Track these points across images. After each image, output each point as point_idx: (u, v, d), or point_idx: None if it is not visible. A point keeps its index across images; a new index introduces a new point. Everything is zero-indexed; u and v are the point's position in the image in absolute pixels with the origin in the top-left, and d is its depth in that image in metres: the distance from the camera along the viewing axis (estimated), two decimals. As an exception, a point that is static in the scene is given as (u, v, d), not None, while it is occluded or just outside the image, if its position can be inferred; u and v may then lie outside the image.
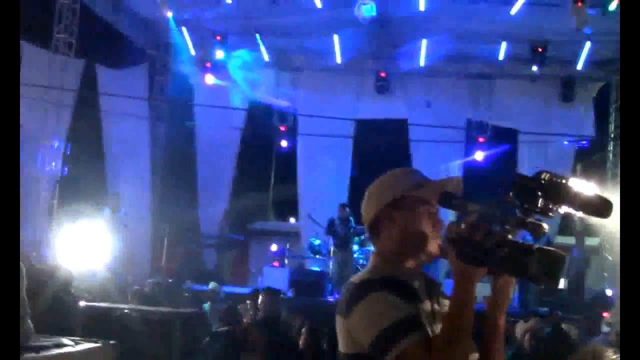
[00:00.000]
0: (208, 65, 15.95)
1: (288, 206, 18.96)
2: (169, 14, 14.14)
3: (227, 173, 17.02)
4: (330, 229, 14.24)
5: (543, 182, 2.02)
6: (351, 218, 14.11)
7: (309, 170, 16.85)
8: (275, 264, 15.93)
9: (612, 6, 12.12)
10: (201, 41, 15.50)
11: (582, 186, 2.03)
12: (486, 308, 2.31)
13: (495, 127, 16.21)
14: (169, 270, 14.41)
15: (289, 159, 17.58)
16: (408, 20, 13.93)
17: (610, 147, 16.28)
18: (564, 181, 2.00)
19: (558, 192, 2.00)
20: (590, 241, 14.58)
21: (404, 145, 16.54)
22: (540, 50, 14.41)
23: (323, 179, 16.63)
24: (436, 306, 2.35)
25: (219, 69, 15.97)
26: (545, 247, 2.01)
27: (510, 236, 2.06)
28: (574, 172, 16.74)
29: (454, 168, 15.98)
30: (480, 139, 16.05)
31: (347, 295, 2.30)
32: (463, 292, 2.12)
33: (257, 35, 15.11)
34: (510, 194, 2.06)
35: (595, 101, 16.14)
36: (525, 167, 16.09)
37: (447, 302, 2.30)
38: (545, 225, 2.07)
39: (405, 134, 16.49)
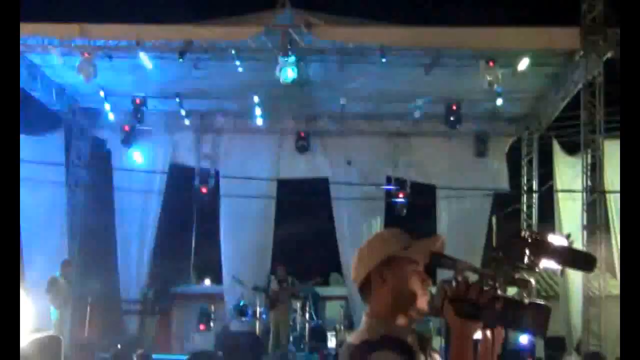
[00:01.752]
0: (127, 129, 15.79)
1: (210, 269, 18.80)
2: (87, 79, 13.92)
3: (148, 237, 16.70)
4: (265, 287, 14.27)
5: (529, 239, 2.17)
6: (289, 278, 14.17)
7: (232, 232, 16.74)
8: (201, 327, 15.69)
9: (521, 66, 12.72)
10: (120, 105, 15.35)
11: (560, 241, 2.19)
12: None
13: (414, 183, 16.57)
14: (92, 339, 13.97)
15: (210, 221, 17.46)
16: (326, 81, 14.22)
17: (524, 200, 16.88)
18: (546, 237, 2.15)
19: (543, 248, 2.14)
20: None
21: (326, 203, 16.70)
22: (454, 108, 14.90)
23: (245, 240, 16.55)
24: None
25: (138, 133, 15.84)
26: (535, 301, 2.16)
27: (500, 292, 2.18)
28: (489, 225, 17.30)
29: (375, 225, 16.24)
30: (400, 195, 16.35)
31: (347, 356, 2.38)
32: (462, 346, 2.22)
33: (177, 99, 15.09)
34: (498, 252, 2.20)
35: (508, 155, 16.74)
36: (444, 221, 16.49)
37: (437, 357, 2.45)
38: (532, 280, 2.20)
39: (327, 193, 16.65)
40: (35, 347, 2.82)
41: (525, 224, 16.64)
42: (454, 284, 2.24)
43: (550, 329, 2.17)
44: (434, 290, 2.38)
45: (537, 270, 2.21)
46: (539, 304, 2.16)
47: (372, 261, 2.51)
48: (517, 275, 2.21)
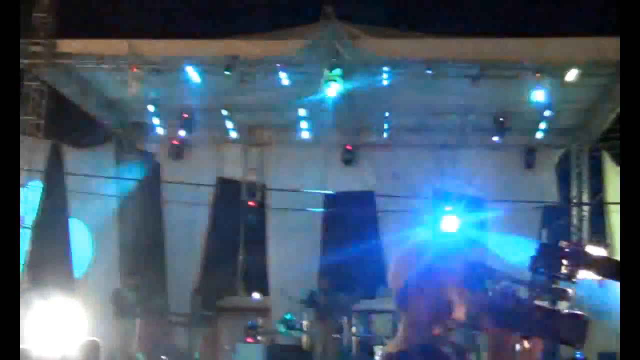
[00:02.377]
0: (175, 142, 16.00)
1: (257, 281, 18.84)
2: (136, 94, 14.15)
3: (196, 250, 16.88)
4: (312, 300, 14.21)
5: (567, 249, 2.15)
6: (336, 291, 14.15)
7: (279, 245, 16.82)
8: (249, 340, 15.72)
9: (569, 77, 12.54)
10: (168, 119, 15.57)
11: (598, 252, 2.17)
12: None
13: (461, 195, 16.41)
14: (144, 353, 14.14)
15: (257, 234, 17.55)
16: (373, 93, 14.19)
17: (574, 212, 16.59)
18: (584, 248, 2.14)
19: (581, 258, 2.11)
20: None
21: (372, 216, 16.65)
22: (502, 120, 14.74)
23: (293, 253, 16.59)
24: None
25: (186, 146, 16.05)
26: (573, 312, 2.12)
27: (537, 302, 2.14)
28: (539, 238, 17.03)
29: (422, 238, 16.10)
30: (447, 208, 16.21)
31: None
32: (500, 356, 2.22)
33: (224, 112, 15.25)
34: (535, 262, 2.18)
35: (558, 168, 16.49)
36: (492, 234, 16.29)
37: None
38: (570, 290, 2.17)
39: (373, 205, 16.61)
40: (75, 350, 2.88)
41: (575, 237, 16.35)
42: (490, 294, 2.22)
43: (601, 343, 2.14)
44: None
45: (574, 280, 2.18)
46: (578, 314, 2.14)
47: (410, 271, 2.52)
48: (554, 286, 2.18)
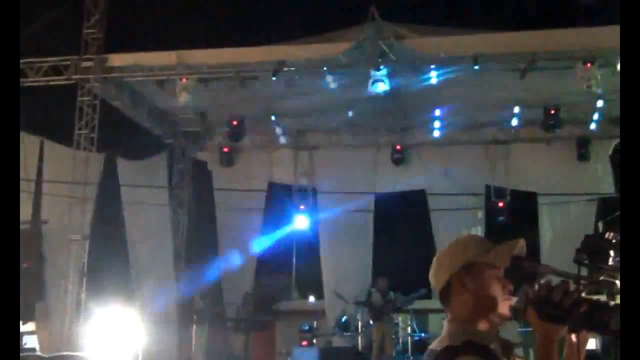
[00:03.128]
0: (226, 150, 16.17)
1: (311, 284, 18.92)
2: (185, 103, 14.32)
3: (250, 255, 17.03)
4: (368, 300, 14.23)
5: (613, 241, 2.12)
6: (391, 291, 14.15)
7: (331, 247, 16.86)
8: (304, 343, 15.79)
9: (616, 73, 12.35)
10: (218, 127, 15.74)
11: None
12: None
13: (514, 191, 16.25)
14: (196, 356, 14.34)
15: (309, 237, 17.62)
16: (420, 92, 14.13)
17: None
18: None
19: None
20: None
21: (424, 215, 16.57)
22: (553, 112, 14.53)
23: (345, 255, 16.63)
24: None
25: (237, 153, 16.20)
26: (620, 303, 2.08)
27: (584, 294, 2.13)
28: (596, 231, 16.74)
29: (478, 234, 16.00)
30: (500, 204, 16.06)
31: None
32: (548, 350, 2.20)
33: (273, 117, 15.36)
34: (582, 254, 2.16)
35: (612, 158, 16.18)
36: (547, 229, 16.09)
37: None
38: (617, 282, 2.14)
39: (424, 205, 16.52)
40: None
41: (633, 228, 16.03)
42: (536, 287, 2.20)
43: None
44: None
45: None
46: None
47: (453, 267, 2.52)
48: (601, 278, 2.15)
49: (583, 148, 15.75)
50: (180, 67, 13.09)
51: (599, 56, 12.34)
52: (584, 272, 2.26)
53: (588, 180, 15.91)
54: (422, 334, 15.83)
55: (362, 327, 15.02)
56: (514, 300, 2.38)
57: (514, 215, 16.03)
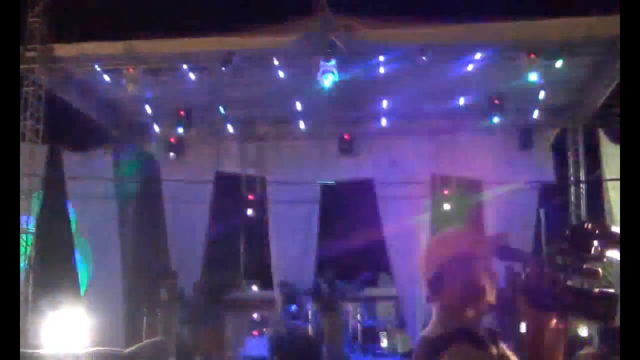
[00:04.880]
0: (172, 141, 16.03)
1: (260, 274, 18.96)
2: (133, 94, 14.13)
3: (198, 246, 16.96)
4: (316, 291, 14.32)
5: (596, 230, 2.23)
6: (337, 280, 14.25)
7: (280, 237, 16.89)
8: (255, 333, 15.87)
9: (559, 64, 12.76)
10: (164, 118, 15.59)
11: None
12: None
13: (459, 179, 16.54)
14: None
15: (257, 228, 17.66)
16: (367, 82, 14.26)
17: (571, 191, 16.75)
18: (611, 228, 2.21)
19: (609, 239, 2.20)
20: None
21: (372, 204, 16.75)
22: (496, 102, 14.82)
23: (294, 245, 16.69)
24: (499, 352, 2.54)
25: (184, 144, 16.07)
26: (603, 290, 2.21)
27: (569, 282, 2.25)
28: (538, 218, 17.18)
29: (423, 223, 16.26)
30: (445, 192, 16.34)
31: (425, 351, 2.50)
32: (537, 337, 2.28)
33: (221, 108, 15.28)
34: (564, 243, 2.26)
35: (553, 147, 16.61)
36: (491, 216, 16.41)
37: (506, 350, 2.54)
38: (600, 271, 2.26)
39: (372, 194, 16.70)
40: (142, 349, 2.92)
41: (573, 215, 16.52)
42: (523, 276, 2.30)
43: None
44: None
45: (604, 260, 2.27)
46: (610, 292, 2.20)
47: (442, 258, 2.62)
48: (584, 266, 2.26)
49: (525, 137, 16.10)
50: (127, 57, 12.94)
51: (542, 48, 12.67)
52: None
53: (530, 168, 16.27)
54: (371, 321, 16.08)
55: (311, 315, 15.15)
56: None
57: (458, 203, 16.33)
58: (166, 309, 14.80)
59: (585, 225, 2.28)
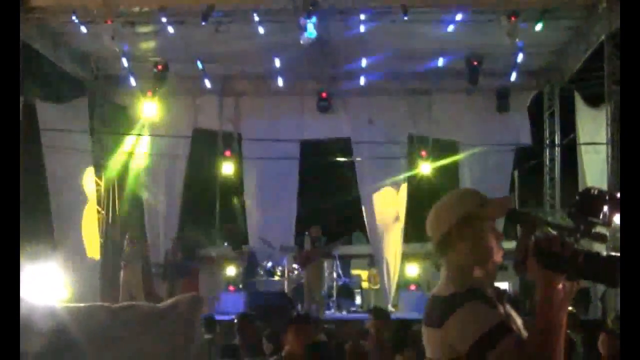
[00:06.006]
0: (149, 95, 15.86)
1: (236, 231, 19.02)
2: (109, 46, 13.91)
3: (174, 201, 16.96)
4: (298, 248, 14.47)
5: (605, 195, 2.31)
6: (323, 237, 14.39)
7: (256, 194, 16.97)
8: (231, 288, 15.97)
9: (538, 26, 12.78)
10: (141, 71, 15.42)
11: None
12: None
13: (435, 140, 16.63)
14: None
15: (234, 184, 17.67)
16: (347, 41, 14.20)
17: (546, 153, 16.92)
18: (617, 194, 2.30)
19: (617, 203, 2.29)
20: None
21: (348, 163, 16.82)
22: (475, 63, 14.85)
23: (270, 202, 16.76)
24: (506, 312, 2.62)
25: (161, 98, 15.91)
26: (610, 254, 2.29)
27: (577, 245, 2.34)
28: (512, 180, 17.38)
29: (398, 183, 16.38)
30: (422, 153, 16.43)
31: (437, 308, 2.58)
32: (548, 296, 2.37)
33: (199, 63, 15.15)
34: (573, 208, 2.34)
35: (530, 109, 16.73)
36: (466, 177, 16.58)
37: (510, 309, 2.64)
38: (607, 234, 2.34)
39: (349, 153, 16.76)
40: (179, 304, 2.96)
41: (548, 177, 16.73)
42: (533, 239, 2.38)
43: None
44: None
45: (612, 225, 2.35)
46: (615, 256, 2.29)
47: (451, 219, 2.70)
48: (593, 230, 2.34)
49: (503, 99, 16.18)
50: (105, 8, 12.72)
51: (522, 10, 12.67)
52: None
53: (507, 130, 16.39)
54: (346, 279, 16.25)
55: (287, 272, 15.28)
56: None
57: (435, 164, 16.46)
58: (128, 261, 14.88)
59: (593, 190, 2.36)
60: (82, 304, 3.19)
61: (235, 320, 8.47)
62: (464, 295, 2.52)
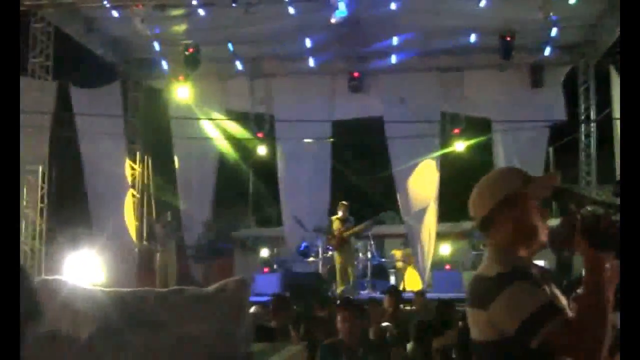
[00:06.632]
0: (181, 78, 15.92)
1: (269, 212, 19.09)
2: (140, 30, 13.96)
3: (208, 183, 17.05)
4: (330, 229, 14.42)
5: None
6: (351, 217, 14.35)
7: (289, 175, 16.96)
8: (265, 269, 16.03)
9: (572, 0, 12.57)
10: (173, 55, 15.48)
11: None
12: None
13: (468, 117, 16.48)
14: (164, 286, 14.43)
15: (267, 165, 17.69)
16: (377, 19, 14.08)
17: (582, 129, 16.69)
18: None
19: None
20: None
21: (381, 142, 16.73)
22: (508, 39, 14.64)
23: (303, 182, 16.76)
24: (551, 291, 2.57)
25: (192, 81, 15.96)
26: None
27: None
28: (547, 156, 17.16)
29: (431, 161, 16.27)
30: (455, 131, 16.31)
31: (483, 289, 2.53)
32: (597, 275, 2.34)
33: (230, 45, 15.14)
34: (619, 186, 2.31)
35: (564, 85, 16.47)
36: (500, 155, 16.41)
37: (555, 289, 2.58)
38: None
39: (381, 132, 16.64)
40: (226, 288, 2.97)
41: (583, 154, 16.50)
42: (579, 217, 2.34)
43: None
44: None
45: None
46: None
47: (495, 198, 2.65)
48: None
49: (536, 75, 15.97)
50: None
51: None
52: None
53: (541, 106, 16.15)
54: (381, 259, 16.23)
55: (322, 253, 15.28)
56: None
57: (468, 142, 16.34)
58: (162, 244, 14.99)
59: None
60: (129, 289, 3.21)
61: (271, 302, 8.48)
62: (510, 275, 2.47)
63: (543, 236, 2.62)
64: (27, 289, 2.36)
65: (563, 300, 2.62)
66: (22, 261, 12.52)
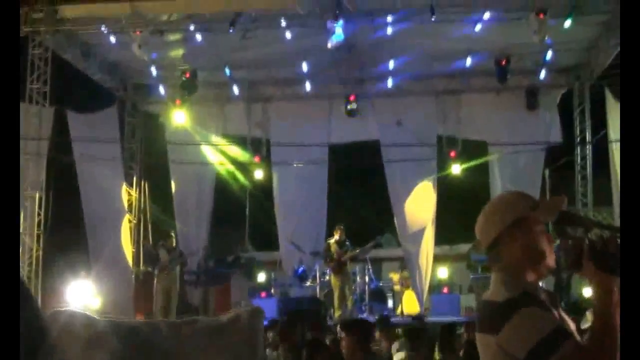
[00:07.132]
0: (178, 103, 15.96)
1: (266, 236, 19.02)
2: (137, 56, 13.99)
3: (205, 208, 17.01)
4: (327, 253, 14.37)
5: None
6: (347, 241, 14.32)
7: (286, 198, 16.92)
8: (263, 294, 15.96)
9: (567, 23, 12.67)
10: (170, 80, 15.54)
11: None
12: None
13: (465, 140, 16.53)
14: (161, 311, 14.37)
15: (264, 189, 17.67)
16: (374, 43, 14.18)
17: (577, 151, 16.75)
18: None
19: None
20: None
21: (378, 165, 16.74)
22: (503, 62, 14.76)
23: (300, 206, 16.72)
24: (559, 315, 2.55)
25: (189, 105, 16.00)
26: None
27: None
28: (543, 178, 17.19)
29: (428, 185, 16.27)
30: (452, 154, 16.34)
31: (492, 314, 2.51)
32: (608, 299, 2.33)
33: (227, 70, 15.20)
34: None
35: (560, 107, 16.56)
36: (497, 177, 16.44)
37: (563, 313, 2.56)
38: None
39: (378, 155, 16.65)
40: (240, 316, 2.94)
41: (579, 175, 16.55)
42: (587, 241, 2.34)
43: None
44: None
45: None
46: None
47: (504, 222, 2.63)
48: None
49: (532, 97, 16.05)
50: (133, 18, 12.83)
51: (550, 7, 12.56)
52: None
53: (537, 129, 16.23)
54: (378, 283, 16.19)
55: (319, 277, 15.23)
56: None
57: (465, 164, 16.36)
58: (166, 269, 14.86)
59: None
60: (143, 320, 3.19)
61: (279, 328, 8.46)
62: (519, 300, 2.46)
63: (550, 260, 2.62)
64: (30, 317, 2.35)
65: (572, 324, 2.60)
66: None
